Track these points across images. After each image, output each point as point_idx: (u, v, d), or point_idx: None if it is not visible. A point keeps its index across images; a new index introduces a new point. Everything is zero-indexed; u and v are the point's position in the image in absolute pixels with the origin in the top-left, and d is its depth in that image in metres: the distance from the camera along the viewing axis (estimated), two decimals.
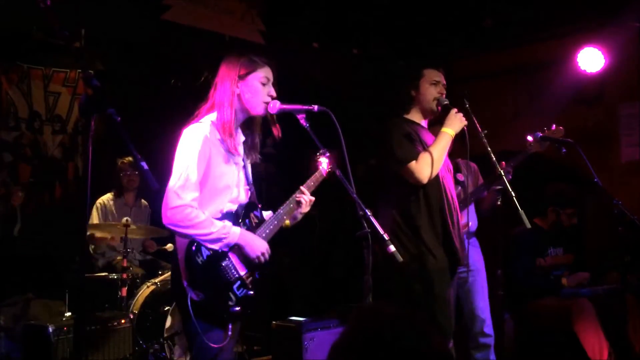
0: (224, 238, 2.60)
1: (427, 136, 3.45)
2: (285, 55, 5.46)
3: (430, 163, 3.25)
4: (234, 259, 2.66)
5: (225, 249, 2.63)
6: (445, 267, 3.32)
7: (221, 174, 2.68)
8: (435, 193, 3.33)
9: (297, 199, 2.94)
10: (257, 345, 5.13)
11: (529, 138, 4.06)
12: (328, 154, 3.10)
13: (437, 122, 3.47)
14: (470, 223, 4.28)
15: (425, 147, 3.35)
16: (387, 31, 6.04)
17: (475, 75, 6.33)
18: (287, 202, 2.93)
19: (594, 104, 5.68)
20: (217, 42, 5.27)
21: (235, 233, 2.63)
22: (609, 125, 5.63)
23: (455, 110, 3.37)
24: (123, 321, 4.21)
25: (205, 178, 2.62)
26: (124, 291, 4.51)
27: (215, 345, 2.56)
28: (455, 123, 3.34)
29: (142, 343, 4.37)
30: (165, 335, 4.38)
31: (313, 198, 3.00)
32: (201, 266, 2.57)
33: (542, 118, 5.42)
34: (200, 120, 2.70)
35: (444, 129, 3.34)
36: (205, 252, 2.58)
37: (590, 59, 5.25)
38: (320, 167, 3.09)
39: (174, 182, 2.56)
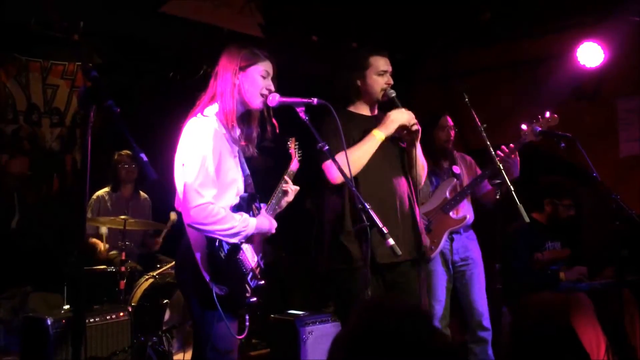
0: (243, 231, 2.63)
1: (368, 129, 3.24)
2: (284, 48, 5.45)
3: (345, 163, 2.82)
4: (244, 251, 2.70)
5: (244, 241, 2.66)
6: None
7: (229, 168, 2.69)
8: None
9: (283, 188, 3.00)
10: (255, 338, 5.13)
11: (523, 127, 4.07)
12: (295, 142, 3.16)
13: (381, 110, 3.33)
14: (467, 216, 4.29)
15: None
16: (386, 25, 6.02)
17: (473, 69, 6.32)
18: (276, 192, 2.99)
19: (593, 99, 5.68)
20: (216, 35, 5.25)
21: (252, 224, 2.67)
22: (608, 120, 5.62)
23: (394, 111, 3.19)
24: (121, 314, 4.22)
25: (217, 173, 2.62)
26: (122, 284, 4.51)
27: (240, 337, 2.65)
28: (389, 126, 3.16)
29: (141, 336, 4.37)
30: (164, 328, 4.38)
31: (297, 187, 3.04)
32: (224, 261, 2.60)
33: (541, 112, 5.42)
34: (204, 114, 2.68)
35: (375, 131, 3.17)
36: (226, 247, 2.61)
37: (590, 54, 5.23)
38: (293, 155, 3.20)
39: (192, 179, 2.53)
